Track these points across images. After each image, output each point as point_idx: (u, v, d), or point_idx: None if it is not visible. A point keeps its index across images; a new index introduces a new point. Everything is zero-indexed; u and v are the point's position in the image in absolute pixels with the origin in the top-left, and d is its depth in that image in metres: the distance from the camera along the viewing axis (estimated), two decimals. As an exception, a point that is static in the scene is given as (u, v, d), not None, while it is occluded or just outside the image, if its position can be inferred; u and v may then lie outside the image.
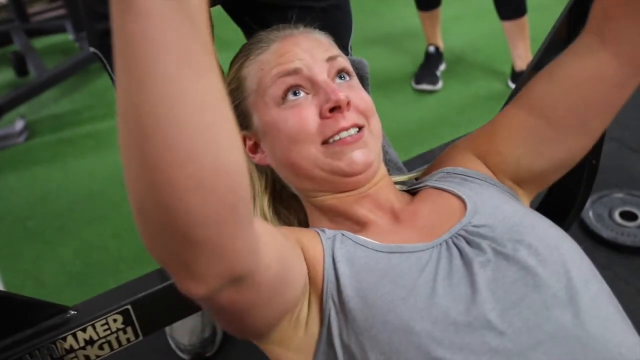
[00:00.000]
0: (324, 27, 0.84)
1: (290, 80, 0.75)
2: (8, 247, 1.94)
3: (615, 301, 0.67)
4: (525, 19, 2.37)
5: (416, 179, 0.90)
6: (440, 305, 0.62)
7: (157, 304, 0.90)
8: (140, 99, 0.41)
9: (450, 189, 0.76)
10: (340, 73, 0.78)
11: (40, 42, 3.19)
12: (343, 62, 0.79)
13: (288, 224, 0.85)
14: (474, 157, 0.82)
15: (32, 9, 3.41)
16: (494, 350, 0.60)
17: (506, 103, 0.91)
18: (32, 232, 1.99)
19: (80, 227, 1.97)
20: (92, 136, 2.47)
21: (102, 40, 0.99)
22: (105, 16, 1.00)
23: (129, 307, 0.86)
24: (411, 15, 2.65)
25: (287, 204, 0.86)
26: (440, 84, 2.52)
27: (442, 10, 2.56)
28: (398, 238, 0.71)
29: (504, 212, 0.71)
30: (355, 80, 0.80)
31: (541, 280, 0.63)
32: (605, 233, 1.64)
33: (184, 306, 0.95)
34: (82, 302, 0.88)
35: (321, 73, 0.76)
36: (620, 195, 1.77)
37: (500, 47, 2.55)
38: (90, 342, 0.85)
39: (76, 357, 0.85)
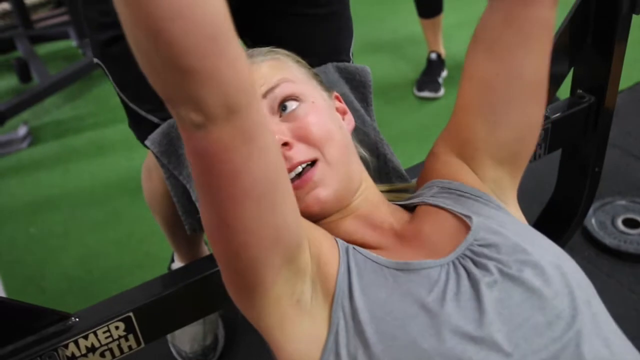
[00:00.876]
0: (325, 34, 0.84)
1: None
2: (10, 253, 1.94)
3: (611, 319, 0.68)
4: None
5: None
6: (448, 324, 0.62)
7: (159, 311, 0.90)
8: None
9: (449, 207, 0.76)
10: (284, 103, 0.77)
11: (43, 49, 3.20)
12: (285, 88, 0.77)
13: None
14: (458, 160, 0.81)
15: (36, 15, 3.41)
16: None
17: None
18: (34, 238, 1.99)
19: (83, 234, 1.97)
20: (95, 142, 2.47)
21: (104, 50, 1.00)
22: (106, 26, 1.01)
23: (131, 314, 0.86)
24: (413, 22, 2.65)
25: None
26: (442, 91, 2.52)
27: (444, 18, 2.56)
28: (405, 257, 0.71)
29: (506, 231, 0.71)
30: (304, 104, 0.77)
31: (546, 302, 0.64)
32: (608, 241, 1.64)
33: (186, 313, 0.95)
34: (84, 309, 0.88)
35: None
36: (623, 202, 1.77)
37: (502, 54, 2.55)
38: (92, 349, 0.84)
39: (78, 364, 0.85)
